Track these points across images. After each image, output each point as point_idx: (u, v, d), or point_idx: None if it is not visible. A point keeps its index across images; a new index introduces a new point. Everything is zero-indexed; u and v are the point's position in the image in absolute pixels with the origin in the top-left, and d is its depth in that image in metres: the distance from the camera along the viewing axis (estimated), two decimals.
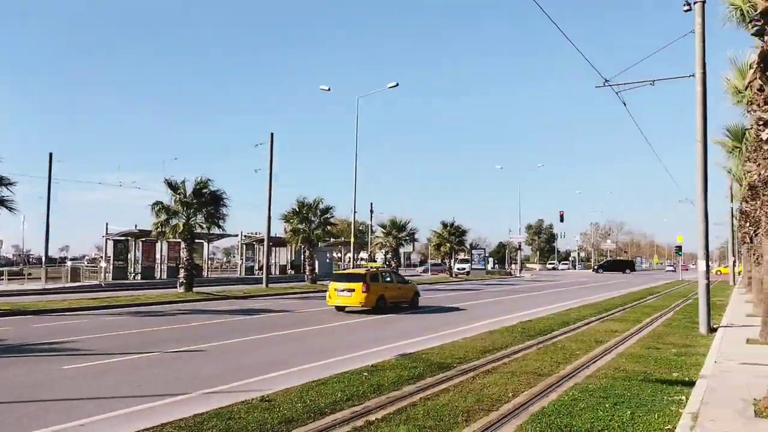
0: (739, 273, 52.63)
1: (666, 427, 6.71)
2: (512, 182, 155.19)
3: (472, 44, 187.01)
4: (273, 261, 53.51)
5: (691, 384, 9.02)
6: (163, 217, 28.58)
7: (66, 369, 10.62)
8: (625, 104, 18.86)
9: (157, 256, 43.77)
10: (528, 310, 23.45)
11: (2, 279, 39.64)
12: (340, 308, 22.41)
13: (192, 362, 11.61)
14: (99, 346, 13.42)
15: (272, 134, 35.61)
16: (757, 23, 7.25)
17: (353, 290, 21.45)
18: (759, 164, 13.92)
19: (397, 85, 40.82)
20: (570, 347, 13.07)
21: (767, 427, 6.28)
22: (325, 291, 34.52)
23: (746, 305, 23.63)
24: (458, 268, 65.52)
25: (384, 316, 21.02)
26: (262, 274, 38.11)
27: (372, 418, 7.16)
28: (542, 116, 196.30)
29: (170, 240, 36.25)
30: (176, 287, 30.60)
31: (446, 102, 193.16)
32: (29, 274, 48.39)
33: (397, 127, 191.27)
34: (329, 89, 42.17)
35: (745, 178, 24.35)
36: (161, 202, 28.68)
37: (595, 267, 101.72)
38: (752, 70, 7.38)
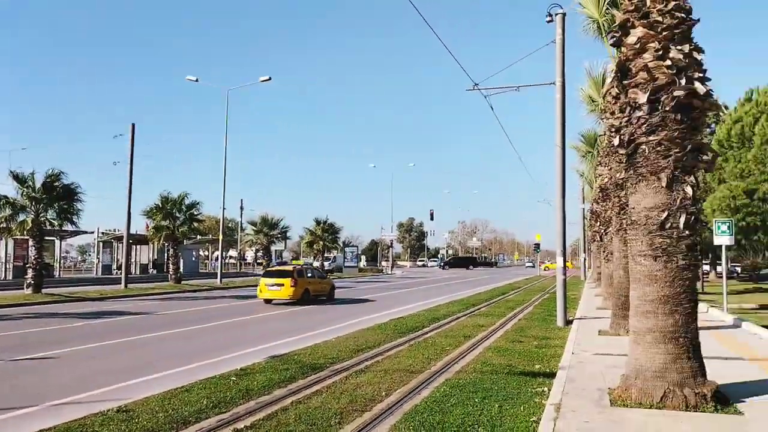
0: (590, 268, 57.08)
1: (531, 419, 6.95)
2: (385, 181, 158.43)
3: (349, 44, 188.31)
4: (134, 260, 50.50)
5: (552, 375, 9.48)
6: (8, 212, 25.79)
7: None
8: (492, 108, 19.66)
9: (1, 254, 39.71)
10: (400, 306, 23.83)
11: None
12: (268, 301, 24.99)
13: (41, 371, 10.51)
14: None
15: (133, 125, 33.47)
16: (615, 34, 7.72)
17: (282, 285, 24.03)
18: (611, 168, 15.05)
19: (270, 79, 40.06)
20: (440, 343, 13.35)
21: (621, 415, 6.68)
22: (190, 291, 33.42)
23: (596, 299, 25.57)
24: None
25: (308, 306, 23.84)
26: (121, 273, 35.72)
27: (240, 425, 6.79)
28: (415, 117, 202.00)
29: (17, 237, 33.01)
30: (23, 288, 27.84)
31: (320, 99, 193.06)
32: None
33: (271, 124, 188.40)
34: (197, 80, 40.41)
35: (596, 180, 26.39)
36: (6, 196, 25.88)
37: (441, 264, 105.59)
38: (610, 79, 7.83)
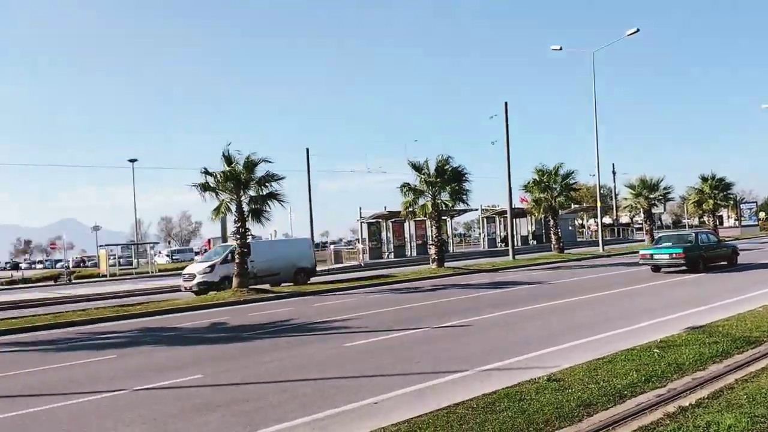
0: None
1: None
2: None
3: None
4: (515, 232, 52.96)
5: None
6: (411, 197, 29.61)
7: (348, 346, 11.25)
8: None
9: (406, 234, 45.91)
10: None
11: None
12: None
13: (460, 338, 11.57)
14: (370, 323, 14.14)
15: (506, 104, 34.85)
16: None
17: None
18: None
19: (638, 31, 37.08)
20: None
21: None
22: (575, 260, 33.26)
23: None
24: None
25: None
26: (504, 246, 37.74)
27: (684, 402, 6.22)
28: None
29: (417, 218, 37.67)
30: (428, 263, 31.66)
31: (696, 43, 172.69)
32: None
33: (639, 80, 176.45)
34: (560, 48, 39.87)
35: None
36: (408, 183, 29.74)
37: None
38: None
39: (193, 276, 24.33)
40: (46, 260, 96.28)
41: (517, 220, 54.28)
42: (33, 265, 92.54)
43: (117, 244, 57.21)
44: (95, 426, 7.05)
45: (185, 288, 24.36)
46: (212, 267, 24.37)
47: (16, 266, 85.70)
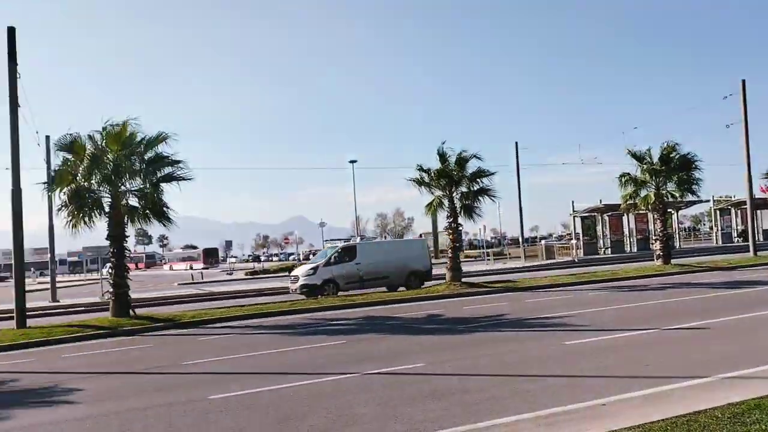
0: None
1: None
2: None
3: None
4: (755, 225, 46.87)
5: None
6: (631, 188, 27.65)
7: (568, 344, 10.91)
8: None
9: (625, 229, 43.14)
10: None
11: (489, 259, 45.02)
12: None
13: (695, 341, 10.62)
14: (591, 321, 13.57)
15: (743, 81, 30.96)
16: None
17: None
18: None
19: None
20: None
21: None
22: None
23: None
24: None
25: None
26: (742, 241, 33.57)
27: None
28: None
29: (638, 212, 35.21)
30: (649, 260, 29.45)
31: None
32: (509, 253, 53.87)
33: None
34: None
35: None
36: (628, 174, 27.79)
37: None
38: None
39: (297, 278, 23.74)
40: (281, 253, 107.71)
41: (759, 211, 47.96)
42: (270, 258, 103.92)
43: (339, 239, 61.97)
44: (334, 405, 7.73)
45: (292, 290, 23.90)
46: (315, 269, 23.43)
47: (257, 259, 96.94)
